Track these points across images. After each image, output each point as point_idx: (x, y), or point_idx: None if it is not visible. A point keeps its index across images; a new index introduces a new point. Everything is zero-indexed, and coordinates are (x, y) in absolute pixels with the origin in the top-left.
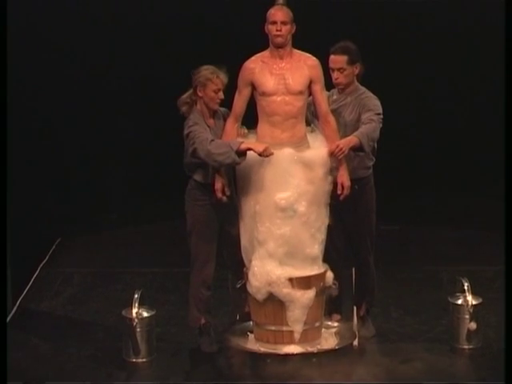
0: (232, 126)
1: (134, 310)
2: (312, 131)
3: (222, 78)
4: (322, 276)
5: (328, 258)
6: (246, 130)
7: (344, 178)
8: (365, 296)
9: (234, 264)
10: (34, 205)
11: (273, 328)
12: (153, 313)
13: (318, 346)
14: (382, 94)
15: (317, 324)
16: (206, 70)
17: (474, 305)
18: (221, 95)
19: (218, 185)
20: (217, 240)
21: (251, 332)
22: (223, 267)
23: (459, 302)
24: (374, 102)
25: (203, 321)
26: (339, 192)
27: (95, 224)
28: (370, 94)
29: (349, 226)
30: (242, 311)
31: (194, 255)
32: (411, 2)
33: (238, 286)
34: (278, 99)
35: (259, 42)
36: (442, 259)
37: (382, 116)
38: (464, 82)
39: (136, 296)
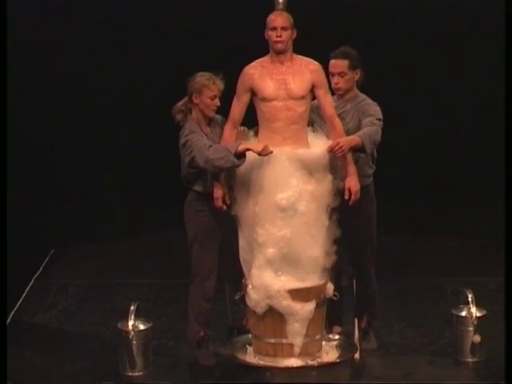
0: (230, 132)
1: (130, 323)
2: (314, 131)
3: (218, 84)
4: (322, 287)
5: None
6: (246, 129)
7: (352, 183)
8: (366, 308)
9: (232, 275)
10: (28, 215)
11: (272, 340)
12: (149, 325)
13: (319, 359)
14: (382, 102)
15: (317, 337)
16: (202, 77)
17: (478, 317)
18: (217, 102)
19: (218, 193)
20: (218, 251)
21: (250, 345)
22: (221, 278)
23: (463, 314)
24: (375, 108)
25: (202, 333)
26: (346, 197)
27: (90, 235)
28: (370, 101)
29: (349, 235)
30: (241, 323)
31: (195, 267)
32: (412, 5)
33: (237, 297)
34: (278, 104)
35: (257, 47)
36: (445, 270)
37: (382, 122)
38: (465, 90)
39: (132, 308)
